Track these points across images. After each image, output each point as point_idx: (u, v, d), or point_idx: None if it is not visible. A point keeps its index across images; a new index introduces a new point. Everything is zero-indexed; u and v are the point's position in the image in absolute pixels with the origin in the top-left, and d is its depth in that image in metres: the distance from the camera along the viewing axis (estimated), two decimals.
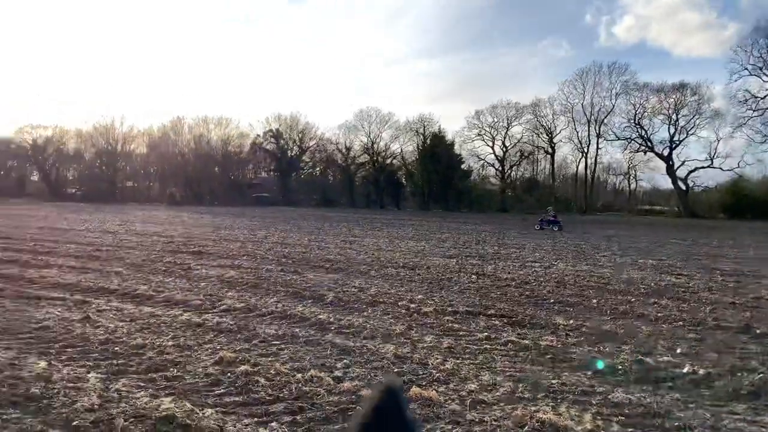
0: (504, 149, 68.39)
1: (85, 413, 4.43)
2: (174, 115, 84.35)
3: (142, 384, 5.18)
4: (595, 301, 9.65)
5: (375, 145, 70.48)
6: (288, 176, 72.27)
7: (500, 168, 69.24)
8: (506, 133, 68.01)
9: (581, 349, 6.68)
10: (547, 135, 67.23)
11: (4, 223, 25.23)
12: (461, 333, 7.36)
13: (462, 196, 65.38)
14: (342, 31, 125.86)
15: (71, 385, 5.02)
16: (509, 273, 12.88)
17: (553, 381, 5.52)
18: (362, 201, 69.53)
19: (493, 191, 69.89)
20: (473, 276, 12.30)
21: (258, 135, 73.48)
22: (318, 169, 76.44)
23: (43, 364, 5.56)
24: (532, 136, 68.36)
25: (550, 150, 67.90)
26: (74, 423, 4.26)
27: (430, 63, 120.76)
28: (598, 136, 64.87)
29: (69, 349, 6.17)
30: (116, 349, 6.24)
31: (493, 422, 4.52)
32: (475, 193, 67.25)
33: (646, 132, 62.33)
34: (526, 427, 4.42)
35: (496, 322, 8.00)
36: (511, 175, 70.63)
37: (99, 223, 26.96)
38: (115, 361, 5.82)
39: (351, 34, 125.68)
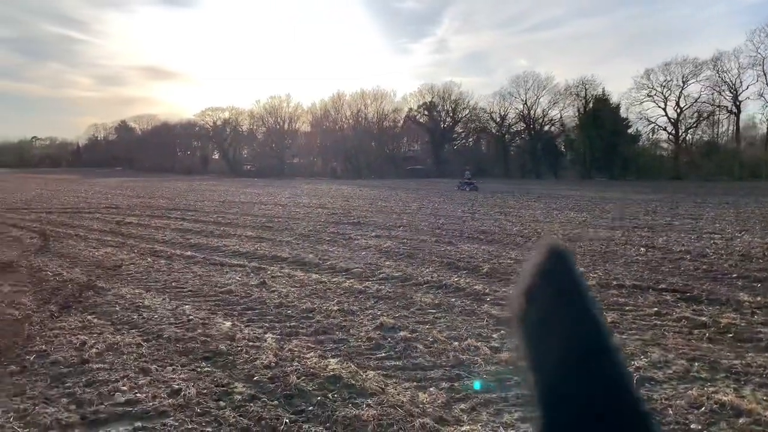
0: (678, 110, 61.15)
1: (264, 370, 4.91)
2: (334, 92, 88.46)
3: (312, 345, 5.59)
4: None
5: (532, 112, 67.42)
6: (441, 148, 72.41)
7: (673, 131, 62.25)
8: (681, 92, 60.60)
9: None
10: (731, 92, 58.64)
11: (193, 197, 28.66)
12: (627, 308, 6.86)
13: (628, 163, 60.11)
14: None
15: (251, 344, 5.59)
16: (684, 245, 11.69)
17: (735, 361, 4.97)
18: (517, 171, 67.17)
19: (665, 157, 63.32)
20: (641, 248, 11.36)
21: (411, 108, 74.48)
22: (471, 139, 75.51)
23: (228, 324, 6.26)
24: (712, 94, 59.99)
25: (734, 109, 59.40)
26: (255, 378, 4.73)
27: (592, 22, 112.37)
28: None
29: (249, 311, 6.86)
30: (288, 312, 6.81)
31: (664, 401, 4.19)
32: (644, 160, 61.39)
33: None
34: (703, 408, 4.03)
35: (668, 297, 7.34)
36: (687, 138, 63.29)
37: (270, 196, 29.44)
38: (287, 324, 6.36)
39: None
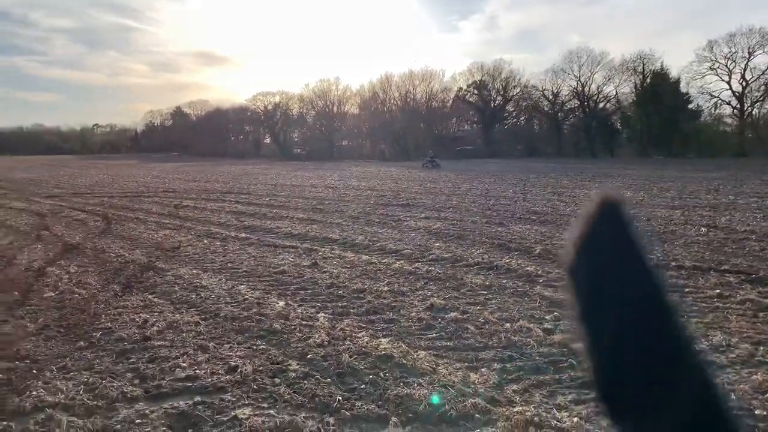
0: (744, 84, 57.60)
1: (317, 348, 4.99)
2: (382, 73, 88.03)
3: (363, 325, 5.65)
4: None
5: (586, 89, 65.04)
6: (491, 127, 71.14)
7: (738, 106, 58.90)
8: (746, 64, 57.03)
9: None
10: None
11: (246, 180, 29.29)
12: (687, 289, 6.60)
13: (689, 140, 57.34)
14: None
15: (304, 323, 5.69)
16: (748, 225, 11.12)
17: None
18: (571, 150, 65.14)
19: (729, 133, 60.06)
20: (702, 228, 10.87)
21: (461, 88, 73.36)
22: (522, 118, 73.80)
23: (282, 303, 6.39)
24: None
25: None
26: (308, 356, 4.82)
27: None
28: None
29: (301, 292, 6.98)
30: (340, 292, 6.89)
31: (726, 385, 4.02)
32: (705, 136, 58.48)
33: None
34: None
35: (731, 279, 7.01)
36: (753, 113, 59.76)
37: (320, 179, 29.75)
38: (339, 303, 6.44)
39: None
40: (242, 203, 17.64)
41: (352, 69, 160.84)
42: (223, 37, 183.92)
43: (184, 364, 4.69)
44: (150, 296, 6.88)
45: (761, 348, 4.70)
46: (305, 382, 4.33)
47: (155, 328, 5.62)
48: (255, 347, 5.08)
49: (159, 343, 5.24)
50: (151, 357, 4.89)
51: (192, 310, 6.30)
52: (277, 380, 4.38)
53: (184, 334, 5.46)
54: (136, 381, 4.42)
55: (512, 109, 73.13)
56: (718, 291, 6.45)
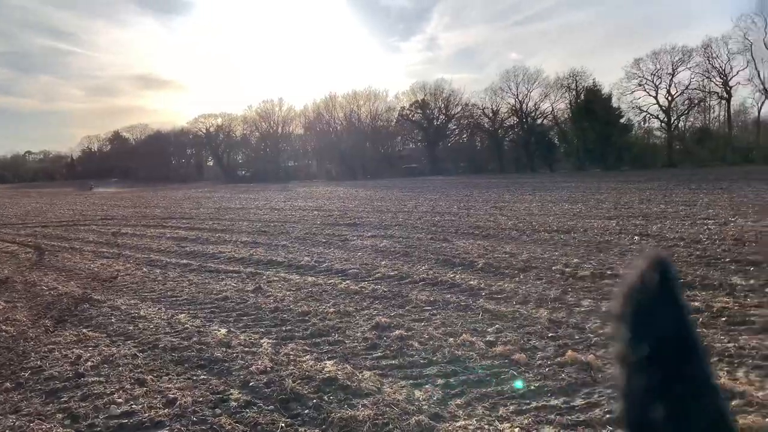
0: (669, 98, 61.11)
1: (260, 375, 4.90)
2: (326, 93, 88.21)
3: (308, 348, 5.59)
4: None
5: (523, 106, 67.42)
6: (435, 145, 72.40)
7: (666, 119, 62.33)
8: (671, 80, 60.69)
9: (763, 311, 5.90)
10: (721, 78, 58.60)
11: (188, 205, 28.61)
12: None
13: (622, 153, 60.05)
14: None
15: (247, 349, 5.58)
16: (677, 232, 11.71)
17: (729, 345, 5.00)
18: (512, 166, 67.12)
19: (658, 145, 63.39)
20: (635, 237, 11.38)
21: (404, 107, 74.43)
22: (465, 136, 75.47)
23: (223, 331, 6.25)
24: (703, 81, 60.03)
25: (725, 95, 59.35)
26: (251, 384, 4.72)
27: (582, 13, 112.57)
28: None
29: (244, 317, 6.85)
30: (284, 316, 6.81)
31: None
32: (637, 149, 61.47)
33: None
34: None
35: None
36: (679, 126, 63.30)
37: (265, 201, 29.40)
38: (283, 328, 6.35)
39: None
40: (184, 228, 17.21)
41: (296, 89, 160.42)
42: (164, 60, 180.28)
43: (120, 400, 4.51)
44: (84, 330, 6.59)
45: None
46: (247, 410, 4.24)
47: (89, 363, 5.38)
48: (195, 378, 4.94)
49: (93, 379, 5.01)
50: (85, 394, 4.68)
51: (129, 342, 6.07)
52: (218, 411, 4.27)
53: (120, 368, 5.24)
54: (67, 422, 4.21)
55: (455, 127, 74.79)
56: None
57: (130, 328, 6.60)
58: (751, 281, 7.16)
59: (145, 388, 4.73)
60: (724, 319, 5.76)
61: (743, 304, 6.21)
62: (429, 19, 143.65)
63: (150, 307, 7.53)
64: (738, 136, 60.16)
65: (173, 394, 4.57)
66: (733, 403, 3.88)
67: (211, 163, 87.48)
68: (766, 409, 3.78)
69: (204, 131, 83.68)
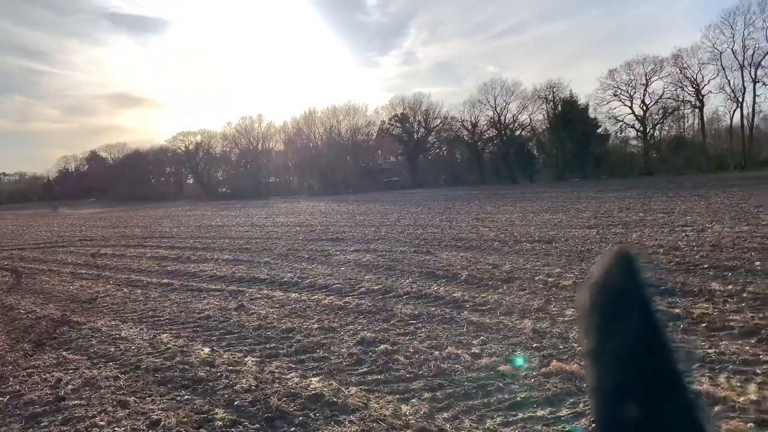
0: (644, 108, 62.49)
1: (244, 394, 4.85)
2: (306, 109, 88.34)
3: (293, 365, 5.55)
4: (758, 263, 8.58)
5: (502, 118, 68.33)
6: (416, 158, 72.87)
7: (641, 128, 63.57)
8: (645, 89, 62.06)
9: (742, 316, 6.01)
10: (693, 87, 60.06)
11: (168, 224, 28.32)
12: None
13: (600, 163, 61.19)
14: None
15: (231, 368, 5.53)
16: (656, 240, 11.90)
17: (710, 350, 5.07)
18: (492, 177, 67.82)
19: (635, 154, 64.64)
20: (616, 245, 11.52)
21: (383, 121, 74.87)
22: (444, 148, 76.08)
23: (207, 350, 6.18)
24: (676, 90, 61.55)
25: (697, 103, 60.80)
26: (235, 403, 4.68)
27: (557, 25, 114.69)
28: (755, 81, 56.72)
29: (228, 336, 6.79)
30: (268, 333, 6.76)
31: None
32: (615, 158, 62.61)
33: None
34: None
35: None
36: (655, 134, 64.61)
37: (247, 217, 29.22)
38: (267, 345, 6.31)
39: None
40: (164, 248, 17.02)
41: (275, 105, 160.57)
42: (141, 78, 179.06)
43: (102, 423, 4.43)
44: (64, 353, 6.47)
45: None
46: (233, 430, 4.20)
47: (70, 386, 5.28)
48: (179, 398, 4.87)
49: (74, 402, 4.92)
50: (66, 418, 4.59)
51: (111, 363, 5.97)
52: (203, 431, 4.22)
53: (102, 391, 5.15)
54: None
55: (434, 140, 75.41)
56: None
57: (112, 349, 6.50)
58: (730, 286, 7.29)
59: (127, 410, 4.66)
60: (704, 325, 5.86)
61: (722, 310, 6.32)
62: (406, 34, 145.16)
63: (131, 328, 7.43)
64: (712, 144, 61.53)
65: (157, 415, 4.50)
66: (715, 409, 3.95)
67: (191, 181, 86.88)
68: (747, 414, 3.85)
69: (183, 149, 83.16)
